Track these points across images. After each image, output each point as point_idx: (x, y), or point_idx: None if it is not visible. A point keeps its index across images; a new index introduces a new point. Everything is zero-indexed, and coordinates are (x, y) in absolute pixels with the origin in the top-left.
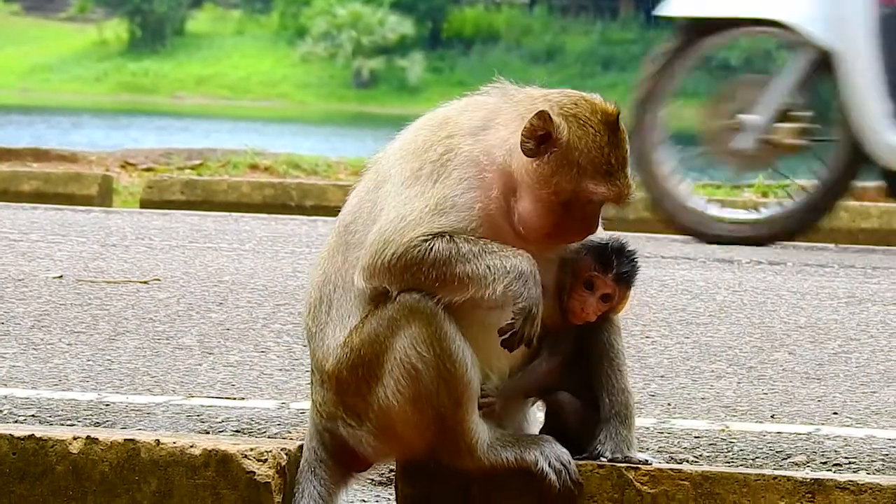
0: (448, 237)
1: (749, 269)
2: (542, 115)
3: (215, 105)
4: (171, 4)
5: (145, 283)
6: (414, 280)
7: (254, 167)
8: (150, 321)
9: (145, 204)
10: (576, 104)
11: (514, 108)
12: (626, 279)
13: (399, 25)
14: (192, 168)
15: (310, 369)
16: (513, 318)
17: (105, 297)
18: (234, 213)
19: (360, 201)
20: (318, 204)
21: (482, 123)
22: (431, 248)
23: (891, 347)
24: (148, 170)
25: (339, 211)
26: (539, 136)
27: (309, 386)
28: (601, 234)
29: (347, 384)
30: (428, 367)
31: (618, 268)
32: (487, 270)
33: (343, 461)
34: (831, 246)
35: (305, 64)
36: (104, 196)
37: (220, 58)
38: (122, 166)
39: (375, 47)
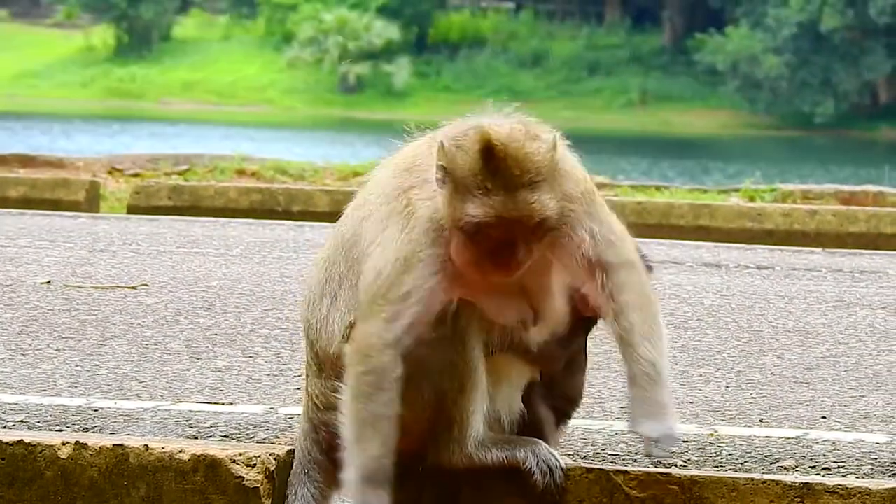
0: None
1: (737, 273)
2: (440, 147)
3: (202, 110)
4: (158, 10)
5: (133, 288)
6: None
7: (241, 172)
8: (138, 326)
9: (132, 209)
10: (465, 134)
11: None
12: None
13: (385, 31)
14: (179, 173)
15: (303, 367)
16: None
17: (93, 303)
18: (221, 219)
19: (351, 220)
20: (305, 209)
21: (413, 182)
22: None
23: (879, 351)
24: (135, 175)
25: (325, 216)
26: (441, 167)
27: (298, 390)
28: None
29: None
30: (436, 345)
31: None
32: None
33: (337, 459)
34: (819, 250)
35: (292, 69)
36: (91, 202)
37: (206, 63)
38: (110, 172)
39: (362, 52)
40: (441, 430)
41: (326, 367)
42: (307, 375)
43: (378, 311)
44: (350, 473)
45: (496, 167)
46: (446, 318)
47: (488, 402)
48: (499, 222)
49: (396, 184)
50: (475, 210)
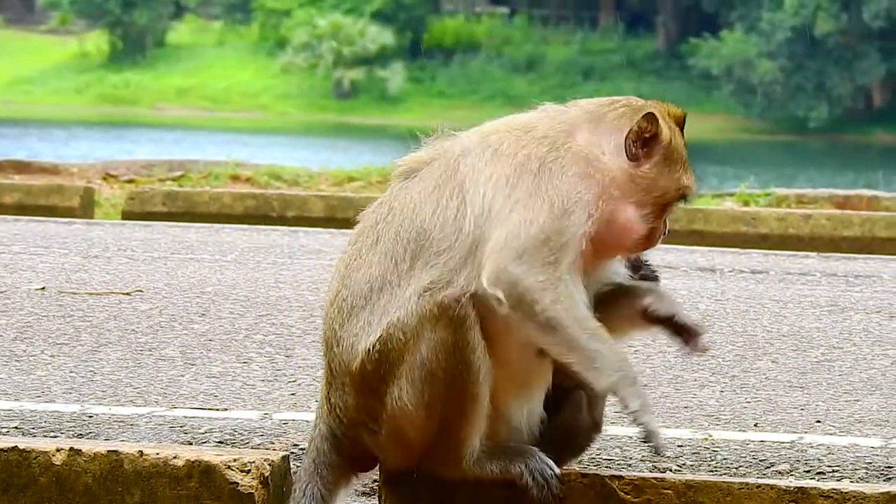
0: (575, 295)
1: (731, 277)
2: (650, 118)
3: (196, 116)
4: (152, 16)
5: (127, 294)
6: (527, 313)
7: (235, 178)
8: (133, 332)
9: (127, 215)
10: (656, 107)
11: (590, 115)
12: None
13: (379, 36)
14: (174, 179)
15: (325, 374)
16: (643, 430)
17: (87, 309)
18: (215, 224)
19: (438, 208)
20: (300, 215)
21: (569, 128)
22: (558, 297)
23: (873, 355)
24: (129, 181)
25: (320, 221)
26: (645, 139)
27: (293, 395)
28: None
29: (368, 382)
30: (447, 374)
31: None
32: (598, 356)
33: (353, 464)
34: (813, 254)
35: (286, 75)
36: (86, 208)
37: (200, 69)
38: (104, 178)
39: (356, 58)
40: (440, 447)
41: (348, 382)
42: (329, 384)
43: (540, 258)
44: (603, 381)
45: (686, 145)
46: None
47: (509, 410)
48: (692, 194)
49: (517, 137)
50: (689, 181)
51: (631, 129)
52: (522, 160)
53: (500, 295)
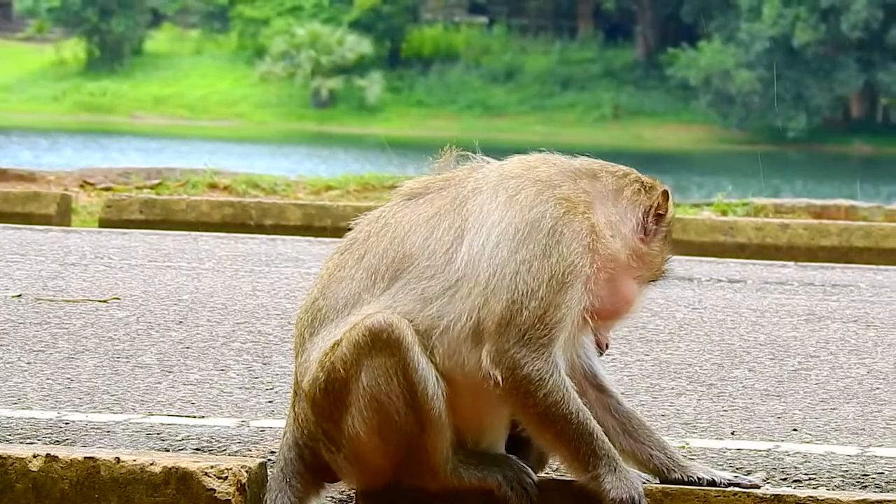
0: (567, 384)
1: (709, 286)
2: (666, 195)
3: (174, 125)
4: (130, 24)
5: (104, 301)
6: (522, 403)
7: (213, 186)
8: (110, 340)
9: (104, 223)
10: (652, 182)
11: (608, 189)
12: None
13: (358, 45)
14: (151, 187)
15: (290, 382)
16: None
17: (64, 316)
18: (193, 232)
19: (432, 237)
20: (278, 223)
21: (590, 199)
22: (551, 391)
23: (850, 364)
24: (107, 189)
25: (298, 229)
26: (657, 216)
27: (270, 403)
28: None
29: (321, 407)
30: (391, 397)
31: None
32: (582, 448)
33: (319, 474)
34: (791, 264)
35: (264, 84)
36: (63, 215)
37: (178, 77)
38: (81, 186)
39: (334, 67)
40: (412, 464)
41: (303, 398)
42: (295, 394)
43: (537, 337)
44: (603, 472)
45: None
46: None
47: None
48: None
49: (535, 192)
50: (671, 261)
51: (651, 206)
52: (537, 217)
53: (499, 377)
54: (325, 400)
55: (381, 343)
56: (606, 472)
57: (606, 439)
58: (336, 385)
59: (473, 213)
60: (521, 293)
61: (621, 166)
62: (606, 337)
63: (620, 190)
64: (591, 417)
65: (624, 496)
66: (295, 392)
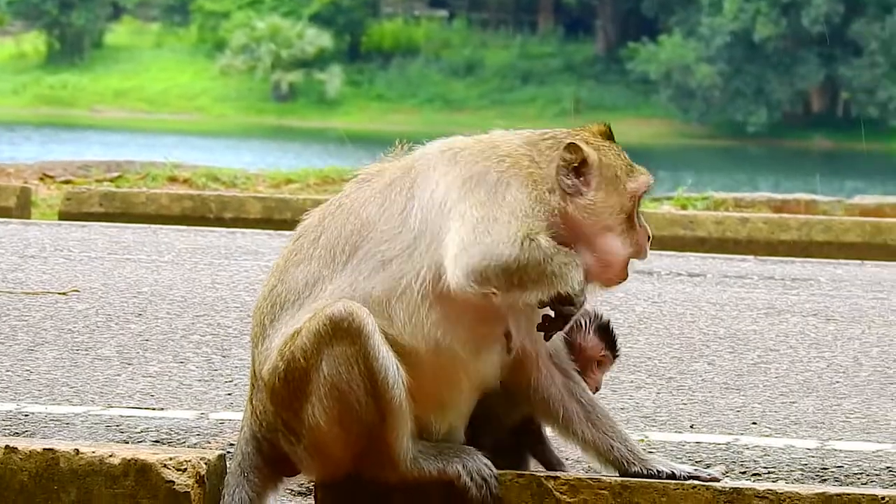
0: (539, 235)
1: (668, 280)
2: (573, 148)
3: (134, 118)
4: (90, 17)
5: (64, 294)
6: (520, 279)
7: (172, 179)
8: (69, 332)
9: (64, 216)
10: (578, 133)
11: (537, 148)
12: (618, 354)
13: (317, 39)
14: (111, 180)
15: (250, 374)
16: (562, 312)
17: (24, 308)
18: (152, 225)
19: (386, 202)
20: (237, 216)
21: (527, 160)
22: (535, 246)
23: (810, 358)
24: (66, 182)
25: (258, 223)
26: (575, 168)
27: (229, 395)
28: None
29: (281, 396)
30: (352, 386)
31: (618, 344)
32: (565, 269)
33: (277, 468)
34: (751, 258)
35: (224, 77)
36: (22, 208)
37: (138, 71)
38: (41, 178)
39: (294, 61)
40: (372, 455)
41: (262, 388)
42: (253, 386)
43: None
44: (575, 286)
45: (618, 146)
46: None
47: (439, 415)
48: (650, 183)
49: (480, 149)
50: (639, 182)
51: (558, 165)
52: (482, 170)
53: (475, 288)
54: (285, 389)
55: (341, 332)
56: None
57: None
58: (296, 374)
59: (421, 172)
60: (479, 230)
61: (550, 130)
62: (598, 379)
63: (542, 150)
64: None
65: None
66: (253, 384)
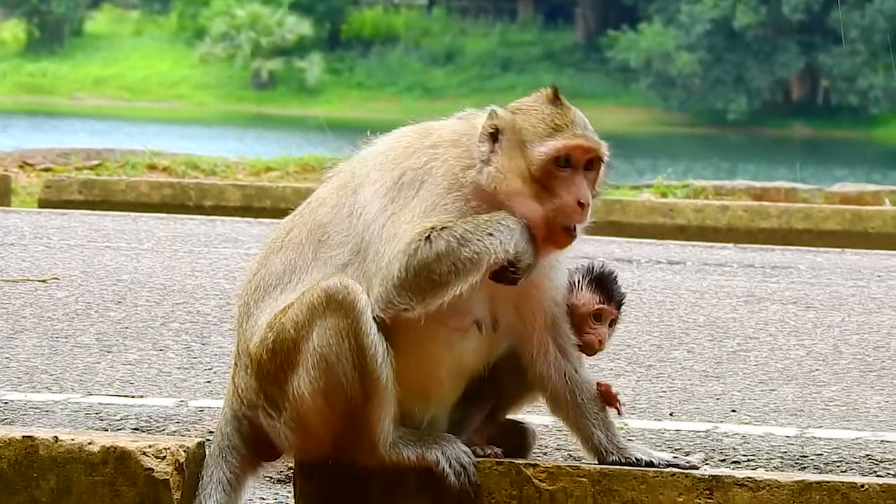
0: (440, 228)
1: (648, 268)
2: (491, 114)
3: (114, 106)
4: (70, 5)
5: (43, 281)
6: (430, 282)
7: (152, 167)
8: (49, 320)
9: (43, 204)
10: (519, 101)
11: (453, 129)
12: (623, 302)
13: (298, 26)
14: (91, 168)
15: (234, 354)
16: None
17: (3, 296)
18: (132, 213)
19: (337, 204)
20: (217, 204)
21: (460, 137)
22: (431, 244)
23: (789, 346)
24: (46, 170)
25: (237, 210)
26: (491, 135)
27: (208, 383)
28: (585, 261)
29: (267, 370)
30: (341, 359)
31: (617, 293)
32: (486, 242)
33: (256, 449)
34: (731, 246)
35: (204, 65)
36: (2, 196)
37: (118, 59)
38: (21, 166)
39: (274, 48)
40: (353, 435)
41: (249, 364)
42: (235, 365)
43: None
44: (500, 254)
45: (562, 108)
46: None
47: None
48: (577, 150)
49: (407, 143)
50: (552, 142)
51: (479, 135)
52: (399, 174)
53: (405, 304)
54: (272, 361)
55: (335, 304)
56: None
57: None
58: (285, 345)
59: (361, 180)
60: (382, 252)
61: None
62: (600, 333)
63: (477, 126)
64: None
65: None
66: (235, 364)
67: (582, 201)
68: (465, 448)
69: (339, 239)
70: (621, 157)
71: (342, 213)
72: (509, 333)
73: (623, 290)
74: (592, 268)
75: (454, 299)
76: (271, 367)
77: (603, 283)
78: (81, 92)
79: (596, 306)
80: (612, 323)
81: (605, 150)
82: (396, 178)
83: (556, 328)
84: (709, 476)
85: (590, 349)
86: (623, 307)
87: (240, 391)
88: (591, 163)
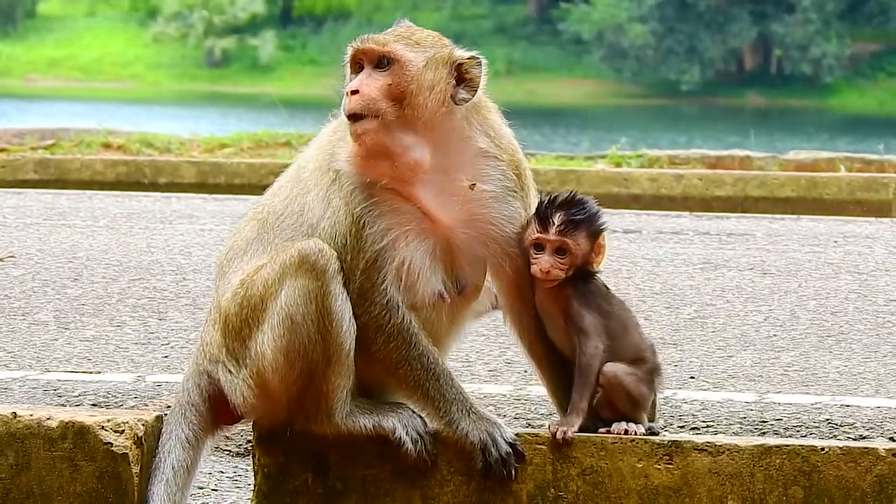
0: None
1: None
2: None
3: (68, 87)
4: None
5: (0, 260)
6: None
7: (107, 146)
8: (6, 297)
9: None
10: None
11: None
12: (571, 228)
13: (250, 5)
14: (46, 148)
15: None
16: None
17: None
18: (87, 191)
19: (283, 208)
20: (171, 181)
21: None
22: (390, 337)
23: (746, 312)
24: (1, 150)
25: (192, 187)
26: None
27: (166, 358)
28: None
29: (233, 324)
30: (306, 320)
31: (558, 219)
32: (434, 395)
33: (214, 408)
34: (686, 214)
35: (157, 44)
36: None
37: (72, 39)
38: None
39: (227, 27)
40: (309, 400)
41: (218, 318)
42: (206, 321)
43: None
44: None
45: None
46: (316, 296)
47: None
48: (356, 53)
49: (302, 157)
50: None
51: None
52: (296, 168)
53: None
54: (238, 316)
55: (308, 265)
56: (460, 416)
57: (457, 383)
58: (252, 301)
59: (304, 185)
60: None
61: None
62: (542, 262)
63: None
64: (439, 361)
65: (482, 437)
66: (206, 321)
67: (349, 90)
68: (419, 416)
69: (291, 233)
70: (576, 130)
71: (293, 208)
72: (476, 288)
73: (577, 216)
74: (541, 200)
75: (410, 283)
76: (237, 321)
77: (540, 212)
78: (35, 73)
79: (534, 236)
80: (562, 250)
81: (388, 47)
82: (295, 172)
83: (510, 259)
84: (668, 441)
85: (540, 281)
86: (579, 234)
87: (205, 345)
88: (381, 61)
